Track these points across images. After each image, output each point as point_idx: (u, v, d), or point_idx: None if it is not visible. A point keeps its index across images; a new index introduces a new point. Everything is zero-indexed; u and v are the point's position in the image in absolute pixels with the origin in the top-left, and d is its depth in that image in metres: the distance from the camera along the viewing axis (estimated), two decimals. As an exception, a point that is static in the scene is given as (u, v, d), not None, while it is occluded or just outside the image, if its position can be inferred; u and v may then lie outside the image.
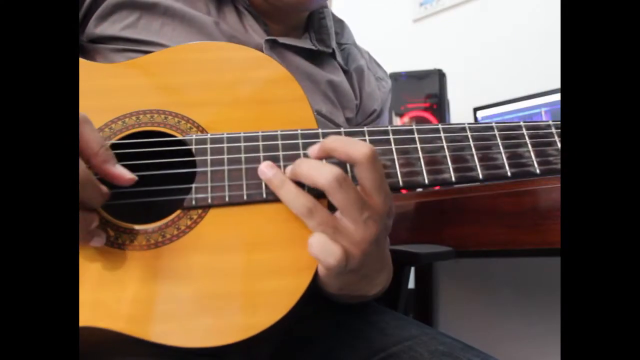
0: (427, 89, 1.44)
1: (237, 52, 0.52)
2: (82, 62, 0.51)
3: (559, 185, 0.75)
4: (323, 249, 0.42)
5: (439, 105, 1.42)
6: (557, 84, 1.16)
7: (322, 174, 0.41)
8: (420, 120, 1.41)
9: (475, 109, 1.41)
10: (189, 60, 0.51)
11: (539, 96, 1.27)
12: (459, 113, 1.53)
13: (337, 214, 0.42)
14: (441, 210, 0.98)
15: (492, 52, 1.60)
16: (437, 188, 1.30)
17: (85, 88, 0.48)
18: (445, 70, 1.46)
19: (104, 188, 0.41)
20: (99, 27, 0.58)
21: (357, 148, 0.42)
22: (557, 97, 1.24)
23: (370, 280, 0.49)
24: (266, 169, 0.44)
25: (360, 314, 0.62)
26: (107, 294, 0.41)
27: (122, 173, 0.42)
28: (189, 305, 0.41)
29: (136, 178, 0.42)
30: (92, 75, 0.50)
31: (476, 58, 1.63)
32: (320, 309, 0.58)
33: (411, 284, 1.54)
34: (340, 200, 0.41)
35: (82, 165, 0.38)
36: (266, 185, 0.45)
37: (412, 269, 1.43)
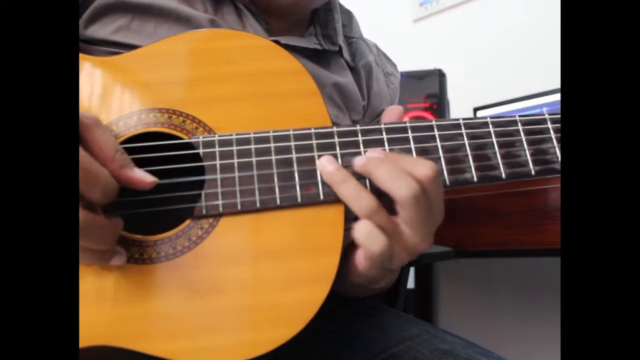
0: (427, 89, 1.43)
1: (244, 40, 0.49)
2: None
3: (559, 185, 0.75)
4: (368, 237, 0.41)
5: (439, 105, 1.42)
6: (557, 84, 1.16)
7: (401, 187, 0.40)
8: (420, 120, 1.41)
9: (475, 109, 1.41)
10: (194, 50, 0.48)
11: (539, 96, 1.27)
12: (459, 113, 1.52)
13: (399, 219, 0.41)
14: (441, 210, 0.98)
15: (492, 52, 1.60)
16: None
17: (82, 86, 0.46)
18: (445, 70, 1.46)
19: (114, 182, 0.39)
20: (89, 29, 0.55)
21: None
22: (557, 97, 1.24)
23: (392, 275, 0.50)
24: (326, 163, 0.42)
25: (361, 314, 0.61)
26: (119, 311, 0.39)
27: (143, 177, 0.40)
28: (203, 322, 0.39)
29: (158, 180, 0.40)
30: (85, 72, 0.47)
31: (476, 58, 1.63)
32: (322, 309, 0.58)
33: (411, 284, 1.54)
34: (410, 215, 0.40)
35: (102, 168, 0.37)
36: (280, 191, 0.42)
37: (412, 269, 1.43)
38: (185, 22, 0.54)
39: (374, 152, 0.43)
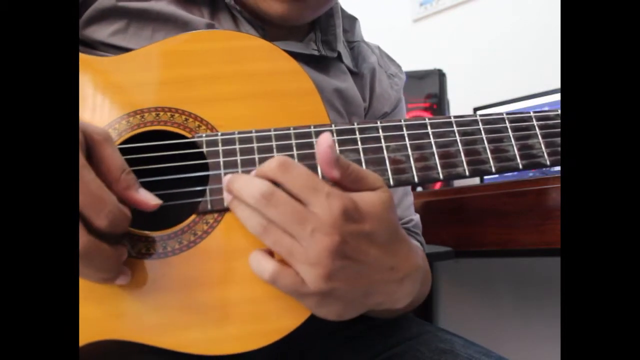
0: (427, 89, 1.43)
1: (243, 41, 0.50)
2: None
3: (559, 185, 0.75)
4: (257, 265, 0.39)
5: (439, 105, 1.42)
6: (557, 84, 1.16)
7: (249, 191, 0.38)
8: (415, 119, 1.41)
9: (475, 109, 1.41)
10: (194, 51, 0.49)
11: (539, 96, 1.27)
12: (459, 113, 1.52)
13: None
14: (441, 210, 0.98)
15: (492, 52, 1.60)
16: (436, 188, 1.31)
17: (84, 85, 0.46)
18: (445, 70, 1.46)
19: (127, 211, 0.39)
20: (86, 31, 0.55)
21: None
22: (557, 97, 1.24)
23: (386, 295, 0.43)
24: (225, 192, 0.42)
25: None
26: (127, 306, 0.40)
27: (147, 199, 0.40)
28: (212, 313, 0.40)
29: (161, 202, 0.41)
30: (89, 71, 0.48)
31: (476, 58, 1.63)
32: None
33: (411, 284, 1.53)
34: (273, 217, 0.37)
35: (111, 195, 0.37)
36: None
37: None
38: (183, 26, 0.54)
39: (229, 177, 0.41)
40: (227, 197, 0.42)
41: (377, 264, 0.40)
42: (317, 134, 0.45)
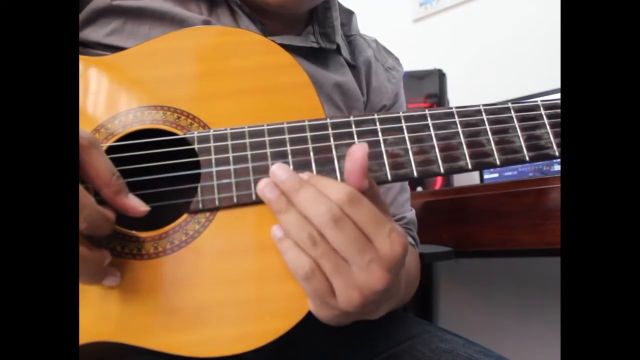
0: (427, 89, 1.43)
1: (236, 36, 0.49)
2: None
3: (559, 185, 0.75)
4: (296, 257, 0.38)
5: (439, 105, 1.42)
6: (557, 84, 1.16)
7: (317, 210, 0.37)
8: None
9: (475, 109, 1.41)
10: (186, 48, 0.48)
11: (539, 96, 1.27)
12: (459, 113, 1.52)
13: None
14: (441, 210, 0.98)
15: (492, 52, 1.60)
16: (437, 188, 1.31)
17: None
18: (445, 70, 1.46)
19: (110, 214, 0.38)
20: (82, 32, 0.54)
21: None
22: (557, 97, 1.24)
23: (375, 309, 0.44)
24: (267, 190, 0.40)
25: None
26: (119, 307, 0.40)
27: (136, 205, 0.40)
28: (204, 314, 0.40)
29: (149, 209, 0.40)
30: (82, 71, 0.47)
31: (476, 58, 1.63)
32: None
33: (411, 284, 1.53)
34: (335, 240, 0.37)
35: (89, 198, 0.36)
36: None
37: (412, 269, 1.43)
38: (180, 24, 0.54)
39: (282, 173, 0.40)
40: (270, 196, 0.40)
41: (392, 292, 0.41)
42: (312, 128, 0.44)
